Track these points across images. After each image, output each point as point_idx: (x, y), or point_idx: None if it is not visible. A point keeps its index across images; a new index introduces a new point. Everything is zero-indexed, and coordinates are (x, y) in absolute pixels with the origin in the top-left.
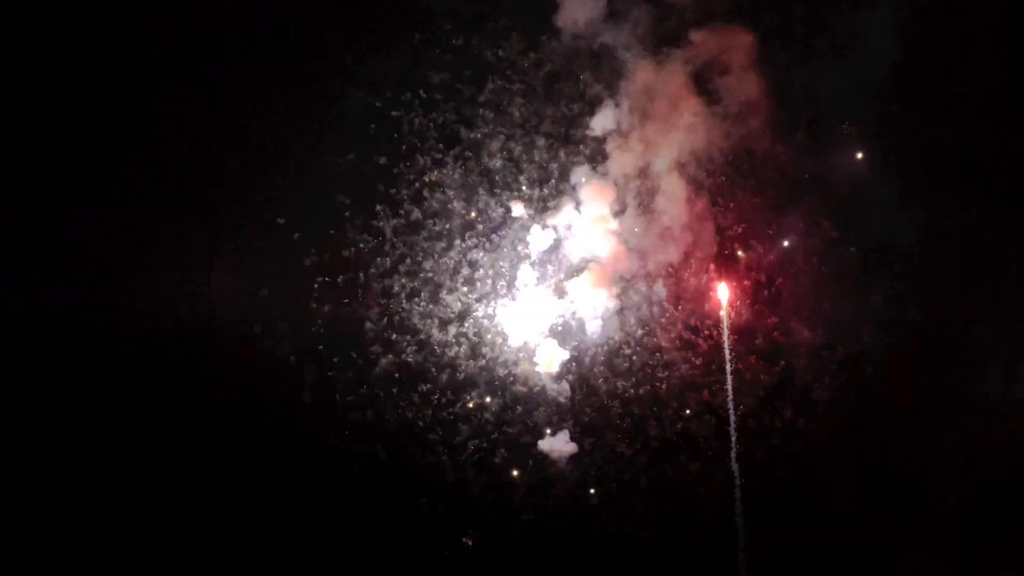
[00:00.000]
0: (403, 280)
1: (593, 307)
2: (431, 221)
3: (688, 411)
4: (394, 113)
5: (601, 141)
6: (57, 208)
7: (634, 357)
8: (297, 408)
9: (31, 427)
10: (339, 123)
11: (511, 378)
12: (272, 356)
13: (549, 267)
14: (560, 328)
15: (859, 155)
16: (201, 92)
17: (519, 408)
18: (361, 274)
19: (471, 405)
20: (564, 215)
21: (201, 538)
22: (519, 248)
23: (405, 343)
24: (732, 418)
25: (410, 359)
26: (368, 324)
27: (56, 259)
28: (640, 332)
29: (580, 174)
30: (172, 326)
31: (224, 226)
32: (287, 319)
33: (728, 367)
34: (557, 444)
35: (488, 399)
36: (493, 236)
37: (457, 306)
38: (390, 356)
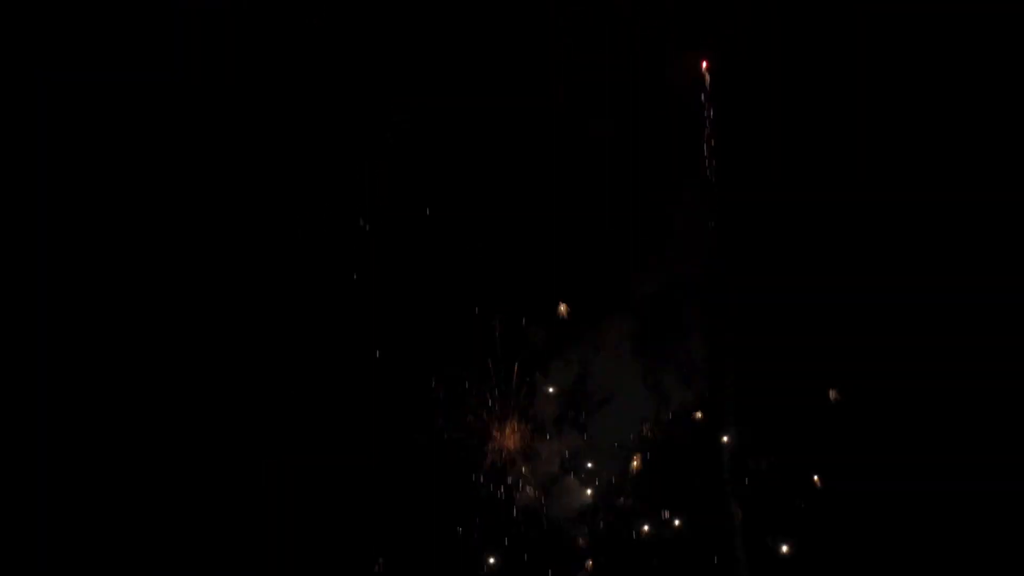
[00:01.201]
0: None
1: (615, 443)
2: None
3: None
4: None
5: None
6: None
7: (656, 499)
8: None
9: None
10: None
11: (528, 518)
12: None
13: (568, 402)
14: (580, 467)
15: None
16: None
17: (536, 550)
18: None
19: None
20: (584, 348)
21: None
22: (537, 381)
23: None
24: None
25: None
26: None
27: None
28: (662, 471)
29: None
30: None
31: None
32: None
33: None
34: None
35: (504, 538)
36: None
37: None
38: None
